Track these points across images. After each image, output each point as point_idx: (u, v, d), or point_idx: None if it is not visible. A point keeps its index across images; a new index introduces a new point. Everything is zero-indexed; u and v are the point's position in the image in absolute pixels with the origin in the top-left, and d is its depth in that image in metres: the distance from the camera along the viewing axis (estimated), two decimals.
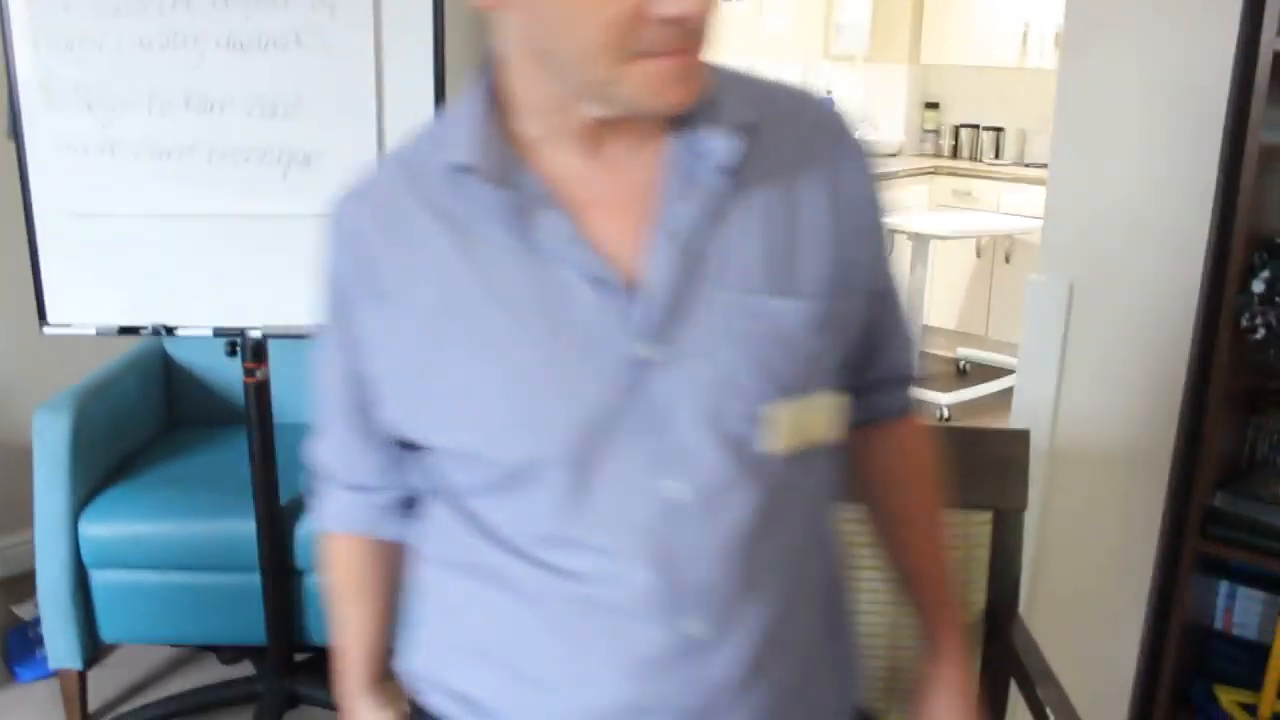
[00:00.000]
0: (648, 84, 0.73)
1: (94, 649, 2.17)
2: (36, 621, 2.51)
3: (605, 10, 0.69)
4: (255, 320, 1.95)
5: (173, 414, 2.62)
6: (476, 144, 0.79)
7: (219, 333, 1.96)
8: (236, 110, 1.87)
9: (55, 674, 2.37)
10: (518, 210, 0.79)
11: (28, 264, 2.74)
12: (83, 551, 2.10)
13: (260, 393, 2.03)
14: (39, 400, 2.86)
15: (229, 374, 2.62)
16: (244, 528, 2.09)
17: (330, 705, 2.25)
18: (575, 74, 0.74)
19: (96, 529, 2.09)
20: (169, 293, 1.95)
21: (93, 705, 2.31)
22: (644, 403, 0.78)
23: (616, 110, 0.76)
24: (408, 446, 0.91)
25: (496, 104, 0.81)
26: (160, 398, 2.57)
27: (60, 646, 2.13)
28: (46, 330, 2.01)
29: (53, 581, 2.09)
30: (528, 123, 0.81)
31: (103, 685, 2.38)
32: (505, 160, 0.80)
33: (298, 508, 2.12)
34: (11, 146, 2.64)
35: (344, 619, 1.02)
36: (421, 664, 0.95)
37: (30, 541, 2.92)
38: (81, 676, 2.22)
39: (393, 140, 1.86)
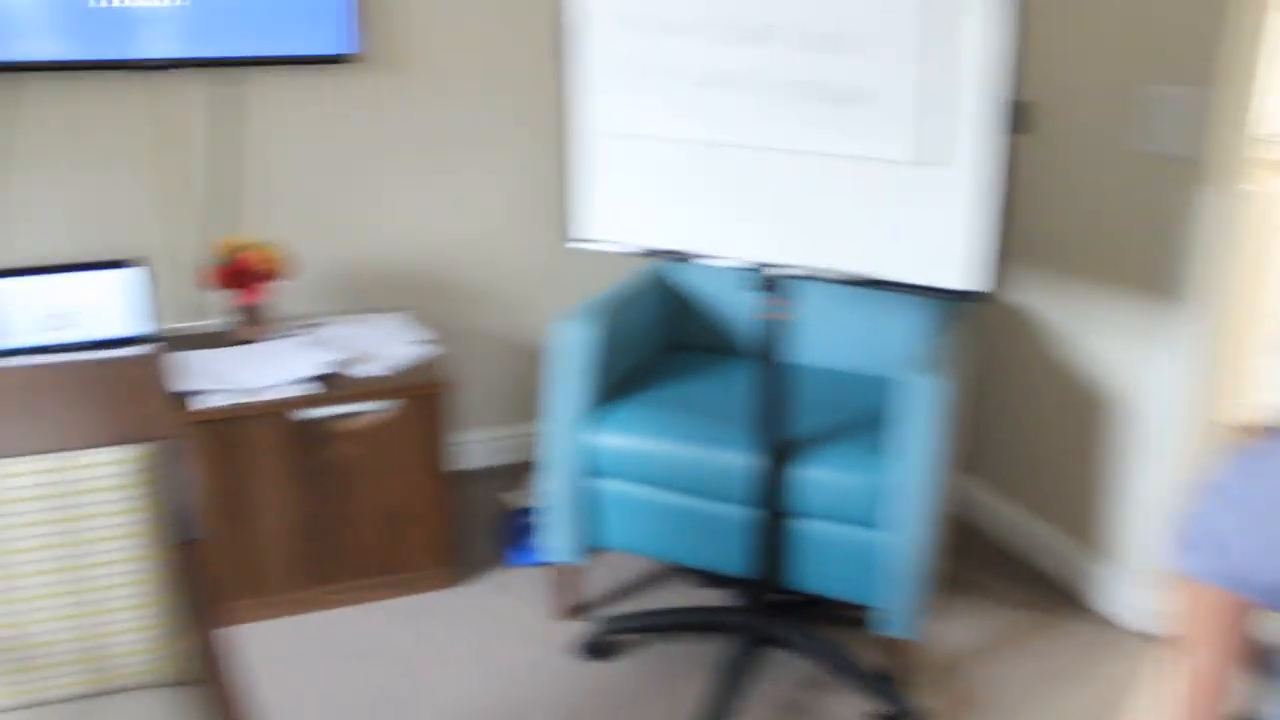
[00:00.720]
0: None
1: (588, 550, 2.30)
2: (526, 511, 2.72)
3: None
4: (783, 258, 1.91)
5: (669, 337, 2.69)
6: None
7: (748, 266, 1.94)
8: (785, 42, 1.80)
9: (544, 565, 2.55)
10: None
11: (558, 180, 2.92)
12: (590, 458, 2.21)
13: (776, 331, 2.00)
14: (546, 309, 3.07)
15: (727, 304, 2.64)
16: (736, 460, 2.10)
17: (800, 651, 2.24)
18: None
19: (605, 439, 2.19)
20: (695, 219, 1.96)
21: (576, 600, 2.45)
22: None
23: None
24: None
25: None
26: (660, 320, 2.64)
27: (559, 542, 2.27)
28: (570, 245, 2.09)
29: (560, 482, 2.22)
30: None
31: (587, 585, 2.53)
32: None
33: (796, 449, 2.09)
34: (553, 68, 2.78)
35: (1195, 659, 1.12)
36: None
37: (522, 436, 3.18)
38: (572, 573, 2.37)
39: (963, 94, 1.69)
